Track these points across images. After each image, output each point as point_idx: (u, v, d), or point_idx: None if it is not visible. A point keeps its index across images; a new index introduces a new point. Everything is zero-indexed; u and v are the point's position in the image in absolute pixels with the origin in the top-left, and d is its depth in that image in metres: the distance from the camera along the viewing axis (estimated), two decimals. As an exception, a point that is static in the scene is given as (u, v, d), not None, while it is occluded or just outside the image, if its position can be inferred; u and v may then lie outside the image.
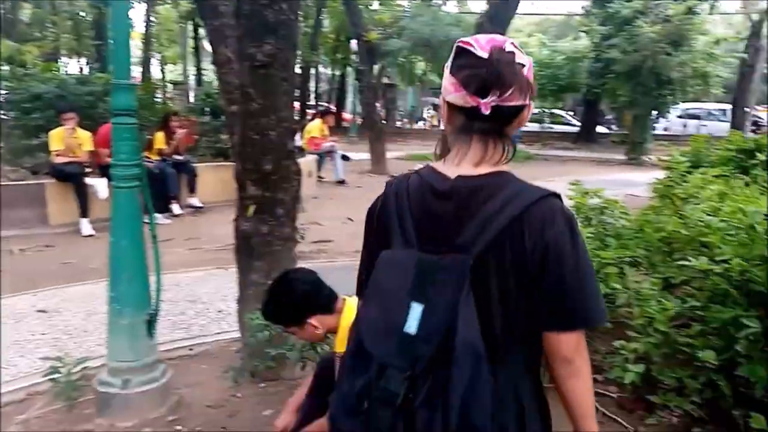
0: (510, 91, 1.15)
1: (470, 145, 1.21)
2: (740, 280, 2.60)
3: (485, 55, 1.15)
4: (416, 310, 1.11)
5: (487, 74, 1.14)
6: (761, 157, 5.17)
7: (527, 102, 1.20)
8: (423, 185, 1.24)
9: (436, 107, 27.12)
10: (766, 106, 23.44)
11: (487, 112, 1.16)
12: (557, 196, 1.19)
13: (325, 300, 2.16)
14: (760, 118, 23.00)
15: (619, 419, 2.89)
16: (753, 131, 16.69)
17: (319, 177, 11.11)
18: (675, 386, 2.75)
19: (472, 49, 1.17)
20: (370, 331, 1.16)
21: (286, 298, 2.13)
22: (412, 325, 1.11)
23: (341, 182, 11.01)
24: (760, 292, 2.52)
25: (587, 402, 1.22)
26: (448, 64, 1.22)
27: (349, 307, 2.16)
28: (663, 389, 2.81)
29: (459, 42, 1.21)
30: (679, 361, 2.88)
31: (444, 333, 1.08)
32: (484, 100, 1.15)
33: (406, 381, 1.08)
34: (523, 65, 1.19)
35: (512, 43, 1.20)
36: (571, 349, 1.17)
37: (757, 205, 3.35)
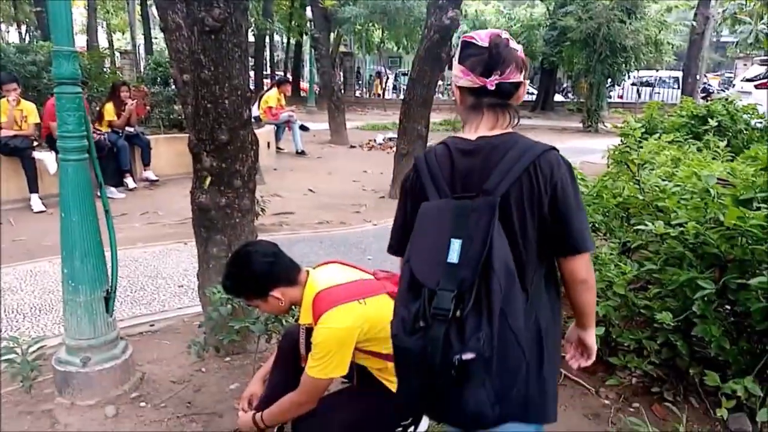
0: (509, 70, 1.48)
1: (482, 117, 1.53)
2: (695, 243, 2.69)
3: (486, 44, 1.48)
4: (456, 244, 1.37)
5: (489, 58, 1.47)
6: (713, 123, 5.31)
7: (522, 79, 1.52)
8: (450, 149, 1.54)
9: (380, 75, 26.93)
10: (715, 73, 24.06)
11: (492, 88, 1.48)
12: (557, 149, 1.52)
13: (286, 272, 2.13)
14: (710, 85, 23.65)
15: (581, 381, 2.97)
16: (704, 98, 17.13)
17: (278, 148, 10.93)
18: (634, 348, 2.84)
19: (474, 41, 1.50)
20: (419, 267, 1.41)
21: (247, 271, 2.10)
22: (454, 257, 1.36)
23: (301, 153, 10.86)
24: (714, 254, 2.61)
25: (594, 306, 1.61)
26: (456, 55, 1.54)
27: (312, 278, 2.14)
28: (622, 351, 2.90)
29: (464, 37, 1.53)
30: (637, 323, 2.98)
31: (481, 258, 1.33)
32: (489, 79, 1.48)
33: (453, 299, 1.32)
34: (516, 50, 1.51)
35: (507, 34, 1.53)
36: (585, 269, 1.51)
37: (710, 169, 3.45)
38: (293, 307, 2.22)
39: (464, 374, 1.31)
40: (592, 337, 1.67)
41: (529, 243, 1.47)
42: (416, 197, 1.56)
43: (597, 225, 3.51)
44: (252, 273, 2.09)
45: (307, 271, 2.19)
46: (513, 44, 1.51)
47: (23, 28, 25.94)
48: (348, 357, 2.02)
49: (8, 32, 24.27)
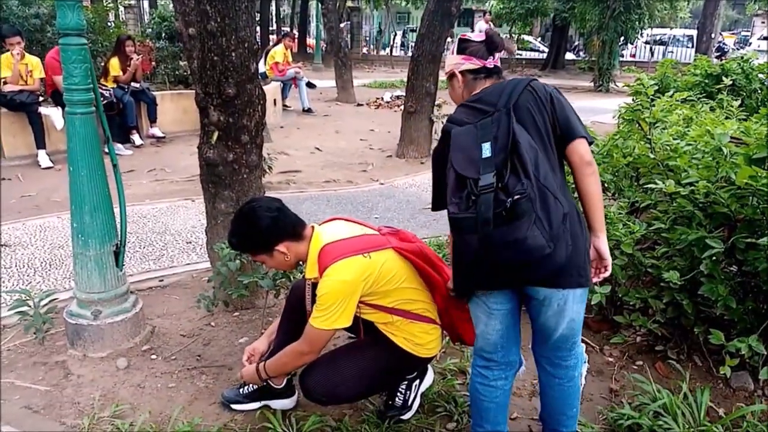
0: (502, 52, 1.98)
1: (483, 83, 1.99)
2: (705, 202, 2.66)
3: (482, 38, 1.99)
4: (486, 145, 1.72)
5: (487, 46, 1.97)
6: (727, 82, 5.20)
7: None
8: (462, 106, 1.95)
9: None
10: (731, 32, 23.50)
11: (491, 66, 1.98)
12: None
13: (291, 227, 2.13)
14: (725, 44, 23.14)
15: (585, 339, 3.00)
16: (718, 57, 16.79)
17: (285, 105, 10.84)
18: (639, 306, 2.85)
19: (470, 38, 2.02)
20: (461, 167, 1.72)
21: (252, 226, 2.10)
22: (487, 153, 1.70)
23: (307, 111, 10.76)
24: (724, 213, 2.59)
25: (602, 199, 1.90)
26: (453, 50, 2.03)
27: (318, 233, 2.15)
28: (628, 310, 2.92)
29: (460, 36, 2.03)
30: (644, 282, 2.98)
31: (508, 143, 1.68)
32: (487, 61, 1.97)
33: (494, 176, 1.64)
34: (503, 37, 2.03)
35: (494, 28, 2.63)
36: (589, 153, 1.84)
37: (723, 128, 3.39)
38: (300, 263, 2.23)
39: (516, 213, 1.59)
40: (605, 242, 1.93)
41: (543, 137, 1.82)
42: (446, 156, 1.81)
43: (606, 184, 3.48)
44: (257, 227, 2.09)
45: (312, 227, 2.19)
46: (500, 33, 2.21)
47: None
48: (352, 309, 2.04)
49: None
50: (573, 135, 1.84)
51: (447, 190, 1.75)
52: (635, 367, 2.79)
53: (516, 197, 1.60)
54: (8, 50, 6.56)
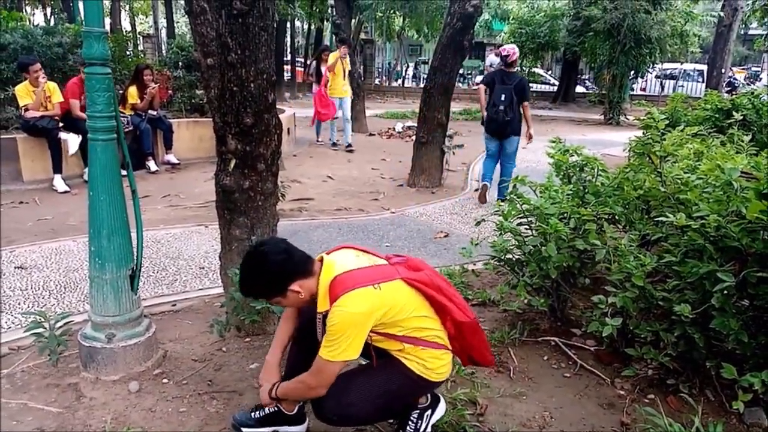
0: (516, 63, 6.74)
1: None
2: (716, 235, 2.67)
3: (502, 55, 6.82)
4: (504, 96, 6.52)
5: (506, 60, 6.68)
6: (737, 116, 5.24)
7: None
8: (497, 72, 6.90)
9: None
10: (741, 67, 23.60)
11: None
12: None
13: (301, 265, 2.14)
14: (735, 79, 23.22)
15: (596, 371, 2.99)
16: (728, 92, 16.83)
17: (318, 141, 10.77)
18: (651, 339, 2.84)
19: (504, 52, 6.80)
20: (495, 101, 6.54)
21: (263, 272, 2.12)
22: (505, 100, 6.50)
23: (349, 147, 10.31)
24: (735, 247, 2.60)
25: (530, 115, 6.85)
26: (499, 58, 7.02)
27: (327, 265, 2.16)
28: (639, 342, 2.91)
29: (501, 49, 6.87)
30: (655, 315, 2.97)
31: (512, 99, 6.47)
32: (508, 70, 6.71)
33: (504, 106, 6.49)
34: (516, 52, 6.68)
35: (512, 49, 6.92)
36: (528, 106, 6.71)
37: (734, 163, 3.42)
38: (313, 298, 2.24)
39: (508, 119, 6.47)
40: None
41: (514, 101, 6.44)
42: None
43: (617, 217, 3.51)
44: (269, 273, 2.10)
45: (321, 258, 2.21)
46: (515, 50, 6.75)
47: (48, 10, 26.19)
48: (361, 341, 2.05)
49: (33, 15, 24.56)
50: (524, 100, 6.33)
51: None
52: (647, 400, 2.77)
53: (508, 118, 6.48)
54: (27, 79, 6.75)
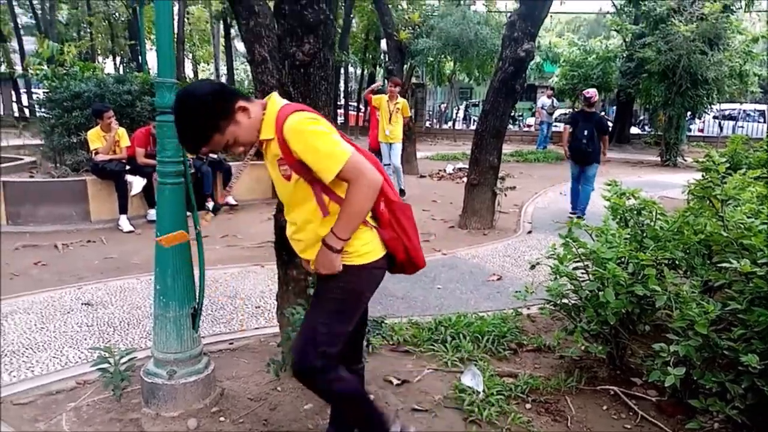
0: (596, 104, 8.14)
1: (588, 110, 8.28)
2: (784, 283, 2.58)
3: (591, 94, 8.20)
4: (586, 130, 7.89)
5: (589, 101, 8.15)
6: (803, 159, 5.07)
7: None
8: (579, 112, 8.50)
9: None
10: (805, 106, 22.78)
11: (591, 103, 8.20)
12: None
13: (238, 92, 2.10)
14: (798, 119, 22.40)
15: (659, 423, 2.89)
16: (792, 133, 16.25)
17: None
18: (716, 390, 2.73)
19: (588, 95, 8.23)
20: (578, 135, 7.90)
21: (199, 99, 1.97)
22: (587, 134, 7.92)
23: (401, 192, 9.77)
24: (805, 295, 2.50)
25: None
26: (583, 99, 8.30)
27: (274, 99, 2.13)
28: (704, 393, 2.80)
29: (584, 92, 8.44)
30: (720, 365, 2.86)
31: (593, 133, 7.95)
32: (588, 109, 8.17)
33: (585, 138, 7.86)
34: (596, 94, 8.29)
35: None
36: (607, 138, 8.32)
37: (801, 208, 3.31)
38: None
39: (590, 150, 7.75)
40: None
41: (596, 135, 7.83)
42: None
43: (678, 261, 3.42)
44: (206, 96, 1.98)
45: (269, 95, 2.18)
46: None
47: (117, 59, 27.83)
48: (332, 132, 2.02)
49: (104, 64, 26.12)
50: (603, 131, 7.98)
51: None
52: (714, 455, 2.65)
53: (589, 150, 7.86)
54: (99, 124, 7.19)
